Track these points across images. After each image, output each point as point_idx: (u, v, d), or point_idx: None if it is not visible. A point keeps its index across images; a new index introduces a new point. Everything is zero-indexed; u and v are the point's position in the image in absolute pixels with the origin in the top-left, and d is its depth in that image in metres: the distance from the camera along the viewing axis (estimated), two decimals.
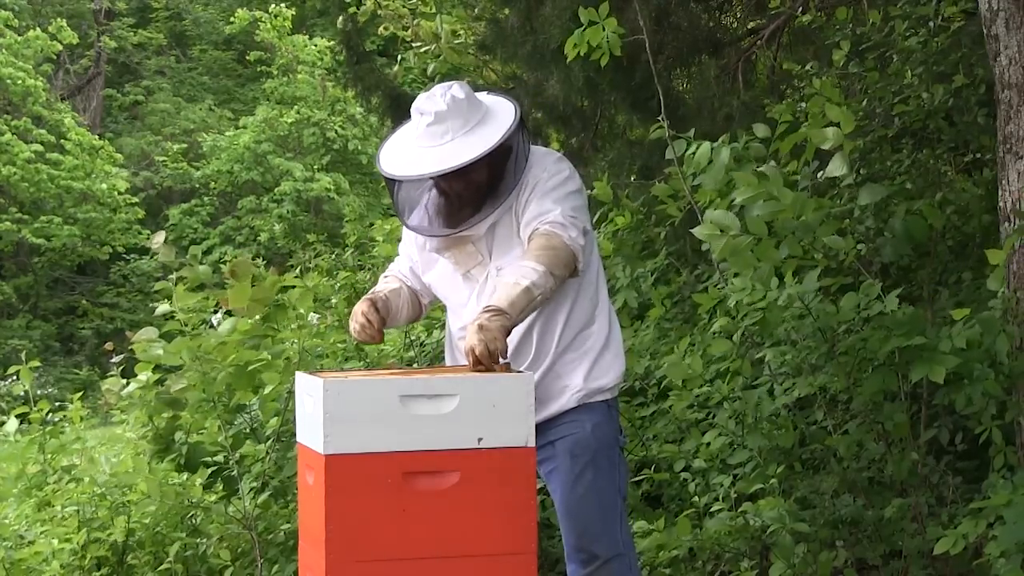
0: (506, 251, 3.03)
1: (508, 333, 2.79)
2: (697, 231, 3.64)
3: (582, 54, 4.24)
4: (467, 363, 2.78)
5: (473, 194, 2.99)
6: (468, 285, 3.10)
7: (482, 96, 3.13)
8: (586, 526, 3.03)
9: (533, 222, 2.96)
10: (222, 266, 5.09)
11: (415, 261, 3.25)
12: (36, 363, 5.28)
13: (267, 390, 4.54)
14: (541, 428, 2.81)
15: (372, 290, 3.24)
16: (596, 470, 3.03)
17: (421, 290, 3.27)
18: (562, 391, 3.03)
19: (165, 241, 4.68)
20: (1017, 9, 3.73)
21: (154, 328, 4.71)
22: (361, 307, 3.09)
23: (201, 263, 4.88)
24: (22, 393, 5.55)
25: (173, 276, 4.55)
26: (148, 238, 26.21)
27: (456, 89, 3.02)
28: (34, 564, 4.61)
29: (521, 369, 2.95)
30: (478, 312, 2.82)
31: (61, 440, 5.20)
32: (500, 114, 3.05)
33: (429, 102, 2.99)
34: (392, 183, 3.09)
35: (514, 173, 2.99)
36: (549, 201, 2.98)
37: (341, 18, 7.40)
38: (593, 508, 3.02)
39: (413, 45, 8.62)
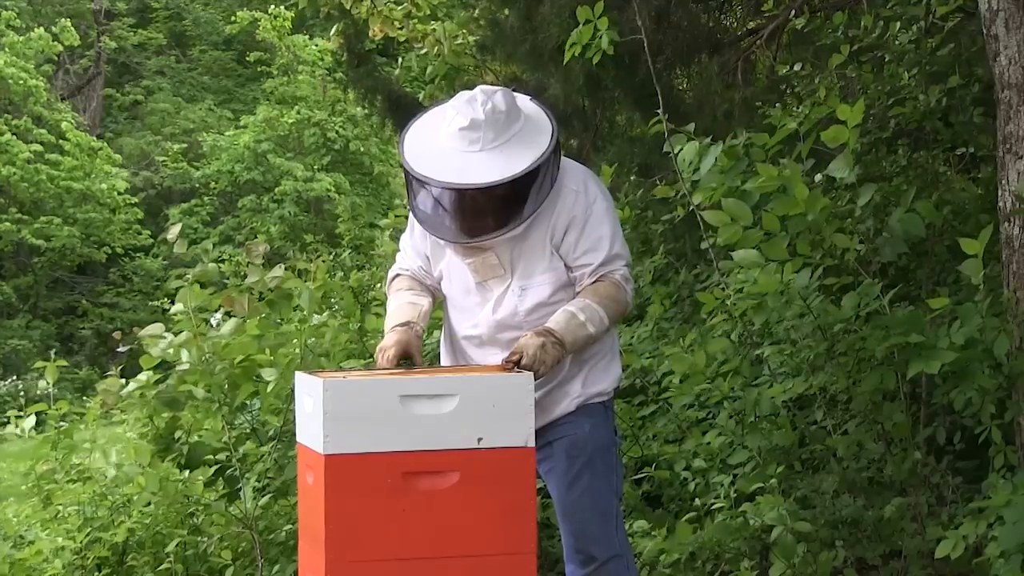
0: (530, 272, 3.01)
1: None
2: (707, 215, 3.62)
3: (576, 54, 4.25)
4: (505, 358, 2.88)
5: (493, 208, 2.93)
6: (481, 294, 3.07)
7: (524, 103, 3.05)
8: (583, 528, 3.04)
9: (602, 267, 2.99)
10: (221, 265, 5.09)
11: (428, 255, 3.20)
12: (63, 362, 5.28)
13: (269, 387, 4.54)
14: (540, 429, 2.83)
15: (402, 315, 3.09)
16: (593, 472, 3.04)
17: (435, 286, 3.22)
18: (563, 397, 3.05)
19: (180, 234, 4.75)
20: (1017, 9, 3.72)
21: (160, 324, 4.74)
22: (391, 352, 2.96)
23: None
24: (22, 392, 5.57)
25: (189, 276, 4.57)
26: (148, 238, 26.20)
27: (499, 99, 2.95)
28: (35, 564, 4.62)
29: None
30: (541, 328, 2.90)
31: (74, 439, 5.21)
32: (535, 134, 2.97)
33: (468, 106, 2.93)
34: (409, 175, 3.02)
35: (536, 197, 2.93)
36: (617, 244, 3.02)
37: (335, 28, 7.41)
38: (590, 510, 3.03)
39: (414, 47, 8.61)
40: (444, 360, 3.27)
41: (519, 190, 2.92)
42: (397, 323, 3.07)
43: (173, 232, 4.76)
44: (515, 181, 2.88)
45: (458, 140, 2.92)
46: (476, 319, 3.09)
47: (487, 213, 2.94)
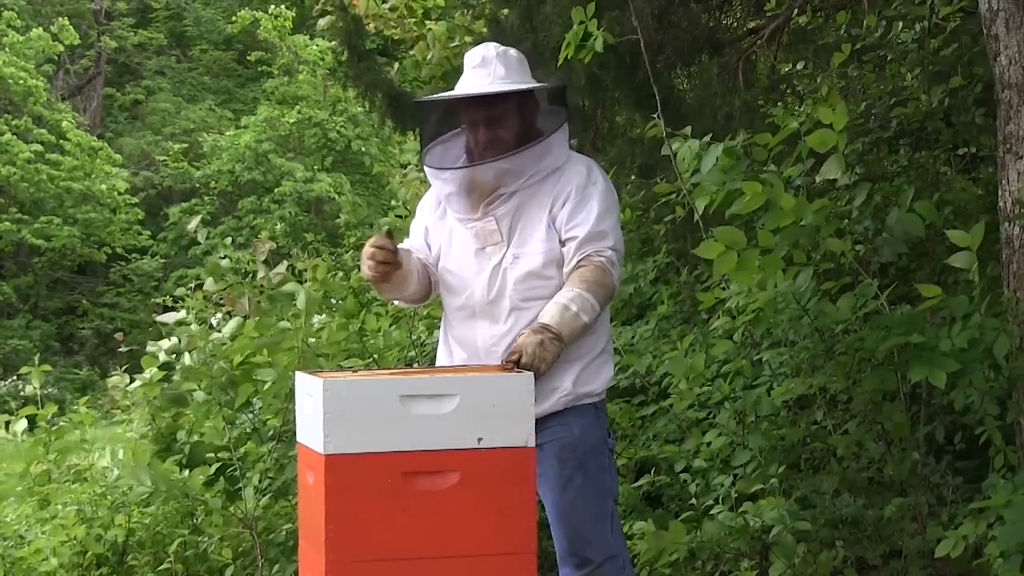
0: (525, 240, 3.06)
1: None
2: (700, 251, 3.59)
3: (569, 57, 4.25)
4: (504, 358, 2.91)
5: (497, 135, 3.06)
6: (479, 262, 3.10)
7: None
8: (577, 530, 3.03)
9: (588, 245, 3.01)
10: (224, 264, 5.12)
11: (429, 227, 3.23)
12: (47, 368, 5.31)
13: (266, 386, 4.53)
14: None
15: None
16: (585, 474, 3.03)
17: (432, 265, 3.24)
18: (551, 392, 3.01)
19: (200, 224, 4.87)
20: (1017, 9, 3.72)
21: (175, 312, 4.78)
22: (367, 246, 3.08)
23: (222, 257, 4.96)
24: (23, 392, 5.58)
25: (201, 271, 4.63)
26: (148, 239, 26.14)
27: (512, 50, 3.17)
28: (35, 563, 4.62)
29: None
30: (538, 325, 2.91)
31: (66, 440, 5.21)
32: (546, 85, 3.24)
33: (482, 48, 3.14)
34: (422, 116, 3.23)
35: (542, 129, 3.09)
36: (607, 223, 3.04)
37: (324, 20, 7.41)
38: (584, 512, 3.03)
39: (409, 53, 8.62)
40: (440, 343, 3.28)
41: (526, 115, 3.10)
42: None
43: (193, 224, 4.87)
44: (523, 97, 3.09)
45: (471, 79, 3.10)
46: (471, 288, 3.10)
47: (496, 140, 3.05)
